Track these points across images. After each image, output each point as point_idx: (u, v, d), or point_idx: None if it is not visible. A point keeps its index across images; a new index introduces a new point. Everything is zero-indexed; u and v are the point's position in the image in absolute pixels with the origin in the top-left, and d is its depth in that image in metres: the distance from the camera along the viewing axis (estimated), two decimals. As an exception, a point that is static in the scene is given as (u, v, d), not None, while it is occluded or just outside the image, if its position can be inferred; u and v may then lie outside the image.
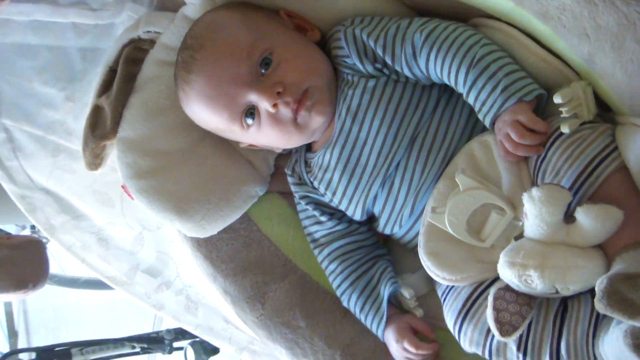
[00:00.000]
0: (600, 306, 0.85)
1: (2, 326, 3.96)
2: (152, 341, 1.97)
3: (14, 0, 1.23)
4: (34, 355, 1.86)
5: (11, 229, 2.69)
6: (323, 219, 1.21)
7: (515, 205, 1.00)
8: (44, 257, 0.78)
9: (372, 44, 1.08)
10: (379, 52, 1.08)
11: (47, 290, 4.02)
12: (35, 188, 1.37)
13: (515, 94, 0.98)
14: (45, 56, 1.30)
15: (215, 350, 1.96)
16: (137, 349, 1.97)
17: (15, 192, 1.33)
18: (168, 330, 1.97)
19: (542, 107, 1.01)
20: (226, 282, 1.29)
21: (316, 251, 1.23)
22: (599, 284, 0.86)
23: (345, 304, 1.20)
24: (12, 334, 3.89)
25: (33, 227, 1.77)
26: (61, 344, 1.87)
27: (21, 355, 2.10)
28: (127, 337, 1.95)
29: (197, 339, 1.95)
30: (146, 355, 3.21)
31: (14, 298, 0.73)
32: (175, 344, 1.99)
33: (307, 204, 1.22)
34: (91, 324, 3.77)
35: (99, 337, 2.04)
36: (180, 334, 2.00)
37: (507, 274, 0.96)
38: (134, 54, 1.22)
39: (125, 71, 1.22)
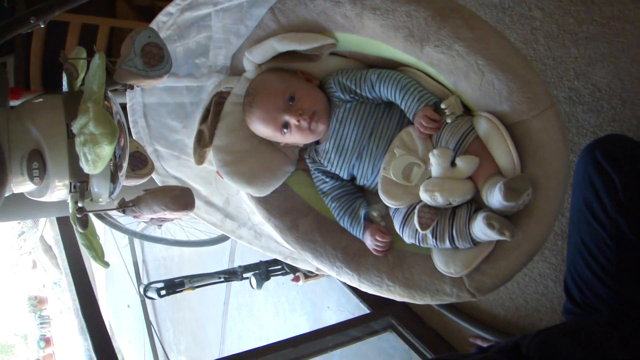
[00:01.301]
0: (485, 221, 1.04)
1: (131, 273, 4.02)
2: (231, 273, 2.10)
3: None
4: (162, 284, 1.99)
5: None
6: (327, 179, 1.33)
7: (426, 162, 1.16)
8: (192, 196, 0.97)
9: (348, 83, 1.24)
10: (352, 87, 1.24)
11: (159, 248, 4.09)
12: (169, 176, 1.45)
13: (423, 101, 1.16)
14: (172, 105, 1.39)
15: (267, 277, 2.09)
16: (222, 279, 2.10)
17: (158, 179, 1.42)
18: (240, 266, 2.09)
19: (436, 109, 1.15)
20: (276, 220, 1.37)
21: (324, 198, 1.35)
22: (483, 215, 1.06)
23: (342, 224, 1.32)
24: (138, 278, 3.97)
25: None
26: (177, 277, 1.98)
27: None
28: (216, 271, 2.10)
29: (257, 271, 2.09)
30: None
31: (181, 216, 0.88)
32: (244, 275, 2.10)
33: (318, 172, 1.35)
34: (186, 268, 3.82)
35: (196, 274, 2.22)
36: (246, 269, 2.12)
37: (425, 196, 1.13)
38: (219, 100, 1.36)
39: (214, 110, 1.35)
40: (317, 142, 1.33)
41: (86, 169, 0.85)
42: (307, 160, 1.38)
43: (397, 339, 1.87)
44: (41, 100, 0.91)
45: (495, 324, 1.76)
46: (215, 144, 1.34)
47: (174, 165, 1.44)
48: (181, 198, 0.93)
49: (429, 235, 1.15)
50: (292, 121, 1.24)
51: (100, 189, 0.94)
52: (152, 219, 0.96)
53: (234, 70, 1.38)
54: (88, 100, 0.83)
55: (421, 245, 1.19)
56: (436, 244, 1.16)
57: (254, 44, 1.29)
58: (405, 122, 1.23)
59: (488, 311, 1.77)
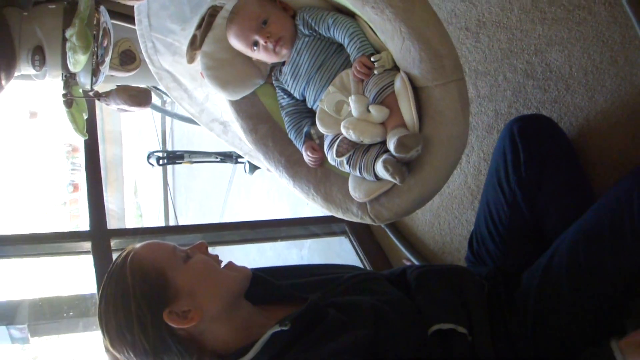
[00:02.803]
0: (382, 163, 1.26)
1: (160, 142, 4.41)
2: (227, 156, 2.38)
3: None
4: (164, 154, 2.33)
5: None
6: (285, 96, 1.57)
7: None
8: (149, 96, 1.32)
9: (310, 20, 1.45)
10: (313, 24, 1.45)
11: (185, 126, 4.54)
12: (162, 69, 1.70)
13: (362, 50, 1.37)
14: (174, 10, 1.65)
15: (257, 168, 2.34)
16: (218, 159, 2.40)
17: (153, 70, 1.68)
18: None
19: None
20: (242, 121, 1.65)
21: (281, 111, 1.59)
22: (384, 158, 1.27)
23: (289, 136, 1.58)
24: (164, 143, 4.33)
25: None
26: (178, 150, 2.36)
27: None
28: (214, 151, 2.39)
29: (250, 160, 2.45)
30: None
31: (137, 110, 1.20)
32: (239, 160, 2.39)
33: (279, 89, 1.58)
34: (207, 143, 3.95)
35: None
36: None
37: (343, 130, 1.36)
38: (213, 12, 1.60)
39: (208, 20, 1.60)
40: (283, 64, 1.55)
41: (70, 67, 1.23)
42: (273, 78, 1.61)
43: (348, 244, 2.19)
44: (49, 7, 1.29)
45: (425, 253, 2.06)
46: (203, 49, 1.60)
47: (169, 61, 1.72)
48: (137, 97, 1.30)
49: (345, 162, 1.41)
50: (261, 41, 1.46)
51: (85, 80, 1.31)
52: (117, 108, 1.36)
53: (228, -9, 1.59)
54: (77, 16, 1.20)
55: (339, 168, 1.45)
56: (350, 170, 1.41)
57: (246, -30, 1.48)
58: (350, 64, 1.42)
59: (422, 240, 2.06)
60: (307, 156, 1.54)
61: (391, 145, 1.28)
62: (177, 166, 3.19)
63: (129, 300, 1.08)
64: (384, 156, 1.31)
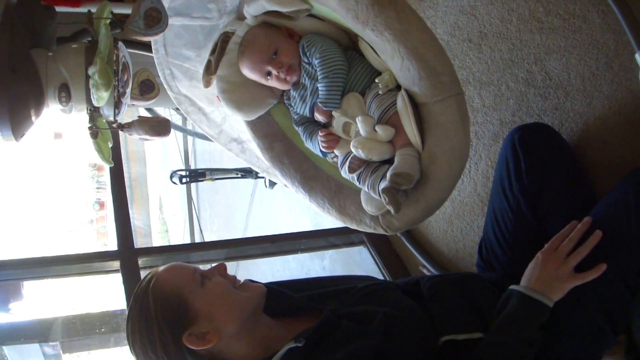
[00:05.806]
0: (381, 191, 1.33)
1: (182, 159, 4.47)
2: (247, 172, 2.46)
3: (175, 15, 1.67)
4: (186, 173, 2.41)
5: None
6: (295, 114, 1.67)
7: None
8: (169, 126, 1.43)
9: (306, 50, 1.56)
10: (308, 54, 1.56)
11: (206, 143, 4.68)
12: (181, 94, 1.82)
13: (321, 100, 1.52)
14: (188, 38, 1.74)
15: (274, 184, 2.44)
16: (239, 175, 2.48)
17: (172, 96, 1.79)
18: (255, 167, 2.52)
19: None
20: (258, 140, 1.74)
21: (295, 125, 1.69)
22: (384, 186, 1.33)
23: (306, 144, 1.66)
24: (187, 161, 4.40)
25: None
26: (200, 168, 2.48)
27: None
28: (234, 168, 2.47)
29: (270, 175, 2.56)
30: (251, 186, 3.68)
31: (157, 139, 1.30)
32: (259, 175, 2.43)
33: (291, 108, 1.67)
34: (227, 161, 4.07)
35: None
36: (263, 170, 2.55)
37: (353, 150, 1.46)
38: (225, 38, 1.69)
39: (220, 46, 1.69)
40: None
41: (94, 102, 1.35)
42: (285, 97, 1.72)
43: (367, 253, 2.30)
44: (71, 47, 1.42)
45: (440, 260, 2.15)
46: (218, 74, 1.71)
47: (186, 86, 1.84)
48: (156, 127, 1.42)
49: (355, 177, 1.50)
50: (274, 72, 1.58)
51: (108, 112, 1.42)
52: (139, 137, 1.49)
53: (240, 14, 1.72)
54: (97, 55, 1.32)
55: (353, 181, 1.54)
56: (360, 185, 1.51)
57: (252, -1, 1.60)
58: (350, 88, 1.55)
59: (437, 247, 2.16)
60: (320, 139, 1.61)
61: (388, 174, 1.37)
62: (200, 183, 3.29)
63: (152, 324, 1.17)
64: (383, 184, 1.38)
